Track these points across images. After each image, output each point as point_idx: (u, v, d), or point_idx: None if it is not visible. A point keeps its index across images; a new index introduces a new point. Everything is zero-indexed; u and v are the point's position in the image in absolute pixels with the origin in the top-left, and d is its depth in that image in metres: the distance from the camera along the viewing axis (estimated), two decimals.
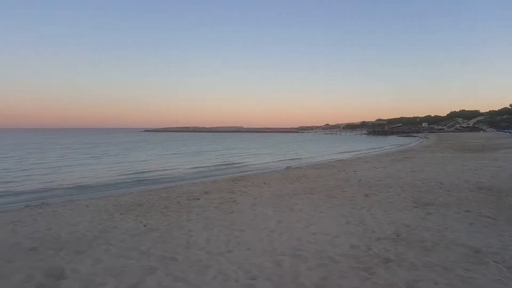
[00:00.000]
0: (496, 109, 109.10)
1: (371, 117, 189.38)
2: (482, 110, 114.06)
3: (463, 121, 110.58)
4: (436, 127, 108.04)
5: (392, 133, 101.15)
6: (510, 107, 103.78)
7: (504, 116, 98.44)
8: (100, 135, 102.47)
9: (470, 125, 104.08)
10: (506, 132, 63.43)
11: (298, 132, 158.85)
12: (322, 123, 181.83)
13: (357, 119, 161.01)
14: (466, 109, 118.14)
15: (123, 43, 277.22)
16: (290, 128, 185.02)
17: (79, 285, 3.61)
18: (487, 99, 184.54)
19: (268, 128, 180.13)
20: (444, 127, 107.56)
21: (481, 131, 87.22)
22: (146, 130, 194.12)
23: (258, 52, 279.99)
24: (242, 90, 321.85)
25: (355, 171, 13.20)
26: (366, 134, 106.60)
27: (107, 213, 7.14)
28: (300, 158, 25.73)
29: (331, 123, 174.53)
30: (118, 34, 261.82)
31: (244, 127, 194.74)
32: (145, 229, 5.78)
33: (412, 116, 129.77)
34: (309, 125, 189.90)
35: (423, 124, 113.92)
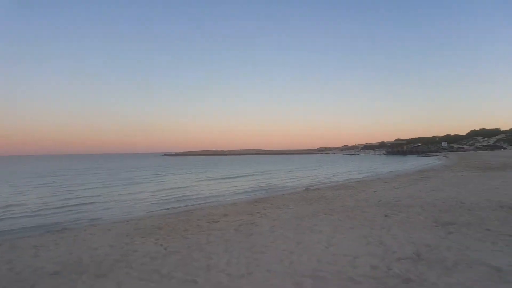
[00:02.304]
0: None
1: (389, 137, 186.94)
2: (502, 128, 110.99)
3: (483, 139, 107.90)
4: (455, 146, 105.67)
5: (411, 153, 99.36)
6: None
7: None
8: (124, 161, 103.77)
9: (491, 143, 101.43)
10: None
11: (317, 153, 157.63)
12: (340, 144, 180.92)
13: (375, 140, 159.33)
14: (486, 127, 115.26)
15: (138, 65, 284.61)
16: (309, 149, 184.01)
17: None
18: (508, 116, 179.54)
19: (287, 150, 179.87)
20: (464, 146, 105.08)
21: (502, 149, 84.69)
22: (167, 155, 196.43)
23: (273, 74, 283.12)
24: (259, 112, 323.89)
25: (375, 192, 13.03)
26: (385, 154, 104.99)
27: (128, 237, 7.26)
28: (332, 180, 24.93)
29: (349, 144, 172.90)
30: (133, 56, 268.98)
31: (263, 149, 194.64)
32: (165, 252, 5.86)
33: (431, 136, 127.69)
34: (328, 146, 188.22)
35: (443, 144, 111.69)
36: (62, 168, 59.72)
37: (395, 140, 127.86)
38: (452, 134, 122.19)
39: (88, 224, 9.77)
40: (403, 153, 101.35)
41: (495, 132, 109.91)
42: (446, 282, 3.86)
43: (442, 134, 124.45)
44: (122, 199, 16.84)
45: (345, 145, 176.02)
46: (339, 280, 4.10)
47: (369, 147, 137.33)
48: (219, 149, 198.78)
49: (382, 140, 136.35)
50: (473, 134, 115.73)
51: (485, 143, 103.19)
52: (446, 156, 60.76)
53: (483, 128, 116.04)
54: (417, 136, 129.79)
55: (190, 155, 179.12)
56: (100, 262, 5.35)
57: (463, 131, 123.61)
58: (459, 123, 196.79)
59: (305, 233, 6.73)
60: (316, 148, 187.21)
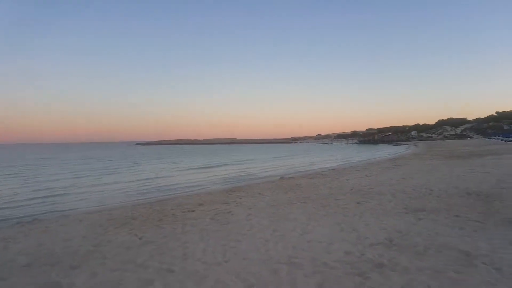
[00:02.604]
0: (483, 116, 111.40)
1: (361, 126, 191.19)
2: (469, 118, 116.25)
3: (451, 128, 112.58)
4: (424, 135, 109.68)
5: (382, 142, 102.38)
6: (496, 115, 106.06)
7: (490, 123, 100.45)
8: (94, 150, 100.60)
9: (458, 132, 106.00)
10: (493, 138, 64.67)
11: (291, 142, 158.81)
12: (314, 133, 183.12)
13: (348, 129, 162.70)
14: (454, 117, 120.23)
15: (114, 50, 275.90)
16: (283, 138, 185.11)
17: None
18: (474, 107, 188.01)
19: (261, 140, 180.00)
20: (433, 135, 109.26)
21: (469, 138, 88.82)
22: (138, 144, 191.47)
23: (248, 63, 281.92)
24: (233, 101, 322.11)
25: (348, 180, 13.36)
26: (357, 143, 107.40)
27: (101, 227, 7.12)
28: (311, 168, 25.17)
29: (323, 133, 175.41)
30: (112, 40, 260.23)
31: (237, 138, 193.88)
32: (140, 242, 5.78)
33: (401, 125, 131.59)
34: (301, 135, 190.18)
35: (412, 133, 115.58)
36: (30, 158, 57.09)
37: (367, 130, 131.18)
38: (421, 123, 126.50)
39: (59, 215, 9.46)
40: (375, 142, 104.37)
41: (462, 121, 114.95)
42: (417, 266, 4.03)
43: (411, 123, 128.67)
44: (94, 190, 16.29)
45: (319, 134, 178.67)
46: (314, 266, 4.20)
47: (341, 136, 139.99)
48: (192, 138, 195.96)
49: (354, 130, 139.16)
50: (441, 123, 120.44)
51: (452, 132, 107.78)
52: (415, 145, 63.04)
53: (451, 118, 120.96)
54: (388, 125, 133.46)
55: (162, 144, 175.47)
56: (73, 253, 5.23)
57: (431, 121, 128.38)
58: (428, 113, 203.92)
59: (281, 221, 6.81)
60: (290, 137, 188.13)
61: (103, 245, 5.64)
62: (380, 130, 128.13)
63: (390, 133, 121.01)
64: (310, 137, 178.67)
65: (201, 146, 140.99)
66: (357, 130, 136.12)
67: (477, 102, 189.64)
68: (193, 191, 14.70)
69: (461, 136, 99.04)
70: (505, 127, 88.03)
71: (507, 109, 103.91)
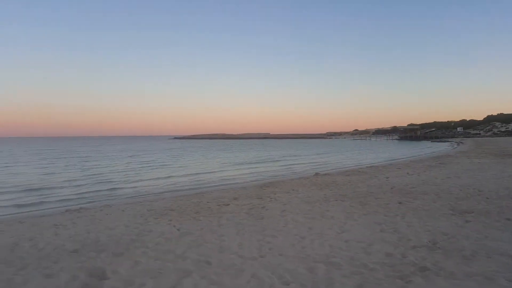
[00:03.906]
0: None
1: (402, 122, 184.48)
2: None
3: (501, 125, 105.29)
4: (472, 132, 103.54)
5: (425, 138, 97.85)
6: None
7: None
8: (137, 143, 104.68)
9: (509, 129, 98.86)
10: None
11: (326, 138, 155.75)
12: (350, 129, 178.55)
13: (387, 124, 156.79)
14: (504, 112, 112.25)
15: (148, 48, 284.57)
16: (317, 133, 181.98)
17: (120, 285, 3.79)
18: None
19: (295, 134, 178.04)
20: (481, 132, 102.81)
21: None
22: (176, 138, 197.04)
23: (282, 59, 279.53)
24: (268, 96, 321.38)
25: (388, 178, 12.92)
26: (398, 139, 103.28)
27: (142, 218, 7.42)
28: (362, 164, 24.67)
29: (360, 129, 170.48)
30: (141, 37, 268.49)
31: (271, 133, 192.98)
32: (178, 233, 5.97)
33: (446, 121, 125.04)
34: (337, 130, 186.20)
35: (458, 129, 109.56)
36: (82, 150, 60.46)
37: (408, 125, 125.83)
38: (468, 119, 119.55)
39: (104, 205, 9.96)
40: (417, 138, 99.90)
41: None
42: (465, 271, 3.82)
43: (457, 119, 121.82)
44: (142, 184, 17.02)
45: (356, 130, 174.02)
46: (352, 266, 4.12)
47: (381, 132, 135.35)
48: (227, 133, 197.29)
49: (394, 125, 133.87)
50: (491, 119, 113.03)
51: (503, 129, 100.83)
52: (461, 142, 59.72)
53: (501, 113, 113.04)
54: (431, 121, 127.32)
55: (198, 138, 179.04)
56: (117, 242, 5.49)
57: (479, 116, 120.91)
58: (476, 107, 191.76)
59: (317, 218, 6.76)
60: (325, 132, 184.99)
61: (144, 235, 5.88)
62: (423, 126, 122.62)
63: (433, 129, 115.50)
64: (346, 133, 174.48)
65: (236, 140, 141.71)
66: (397, 125, 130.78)
67: None
68: (228, 184, 14.83)
69: None
70: None
71: None
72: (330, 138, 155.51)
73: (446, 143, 64.30)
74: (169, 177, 19.54)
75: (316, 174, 16.68)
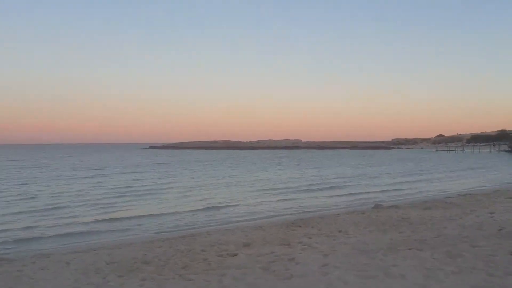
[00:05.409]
0: None
1: None
2: None
3: None
4: None
5: None
6: None
7: None
8: (109, 153, 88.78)
9: None
10: None
11: (392, 148, 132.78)
12: (431, 134, 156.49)
13: (491, 128, 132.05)
14: None
15: (125, 39, 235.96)
16: (379, 141, 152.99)
17: None
18: None
19: (343, 142, 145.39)
20: None
21: None
22: (152, 147, 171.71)
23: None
24: (297, 87, 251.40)
25: (493, 214, 10.89)
26: (510, 150, 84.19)
27: (98, 275, 6.51)
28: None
29: (446, 134, 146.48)
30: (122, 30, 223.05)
31: (303, 140, 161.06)
32: None
33: None
34: (410, 136, 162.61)
35: None
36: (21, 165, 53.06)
37: None
38: None
39: (38, 254, 8.58)
40: None
41: None
42: None
43: None
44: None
45: (440, 135, 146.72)
46: None
47: (480, 139, 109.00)
48: (232, 140, 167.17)
49: (502, 128, 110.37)
50: None
51: None
52: None
53: None
54: None
55: (182, 147, 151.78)
56: None
57: None
58: None
59: (378, 278, 5.42)
60: (391, 139, 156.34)
61: None
62: None
63: None
64: (425, 140, 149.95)
65: (251, 150, 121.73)
66: (507, 129, 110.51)
67: None
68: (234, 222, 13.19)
69: None
70: None
71: None
72: (398, 148, 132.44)
73: None
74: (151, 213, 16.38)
75: (376, 205, 13.61)
